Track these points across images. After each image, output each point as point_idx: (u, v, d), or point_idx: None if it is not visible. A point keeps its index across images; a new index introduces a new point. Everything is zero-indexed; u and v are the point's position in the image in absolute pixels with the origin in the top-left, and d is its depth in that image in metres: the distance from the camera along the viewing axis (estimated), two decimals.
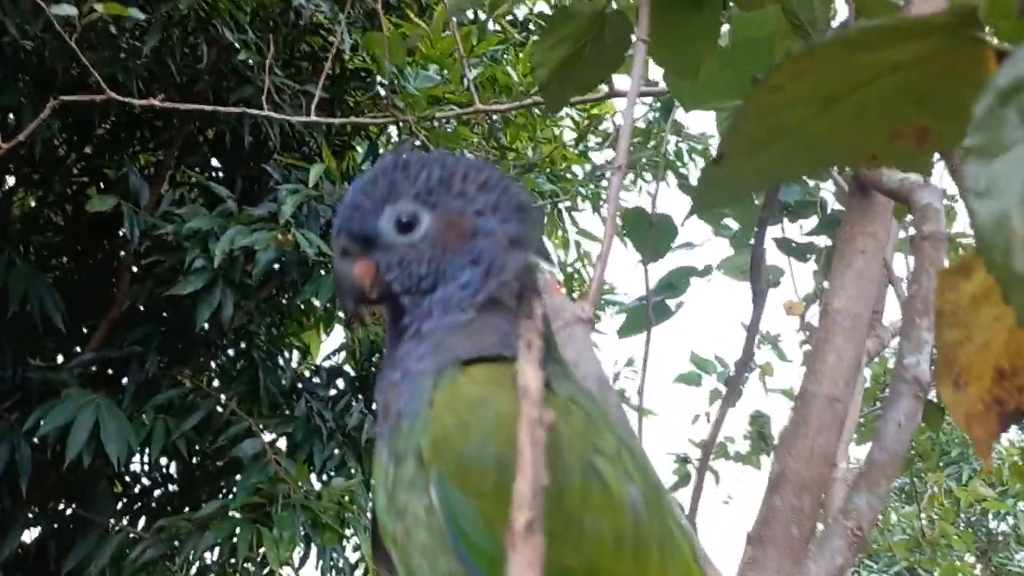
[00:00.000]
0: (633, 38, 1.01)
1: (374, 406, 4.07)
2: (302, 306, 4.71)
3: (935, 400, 4.24)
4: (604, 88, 2.79)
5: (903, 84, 0.60)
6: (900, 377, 0.90)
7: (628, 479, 0.71)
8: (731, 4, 1.29)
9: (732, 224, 2.50)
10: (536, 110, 4.41)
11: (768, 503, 1.04)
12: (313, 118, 2.15)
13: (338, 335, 5.35)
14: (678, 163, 4.70)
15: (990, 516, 11.01)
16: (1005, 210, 0.53)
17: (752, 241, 2.55)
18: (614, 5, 1.11)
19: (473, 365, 0.73)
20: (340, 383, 4.84)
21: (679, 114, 3.30)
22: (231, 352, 4.51)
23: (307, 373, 4.81)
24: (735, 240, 2.49)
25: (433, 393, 0.72)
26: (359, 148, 4.90)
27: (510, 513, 0.65)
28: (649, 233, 1.79)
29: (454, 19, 3.32)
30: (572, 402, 0.72)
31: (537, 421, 0.37)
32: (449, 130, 3.49)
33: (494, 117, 4.15)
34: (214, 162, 4.60)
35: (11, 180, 4.29)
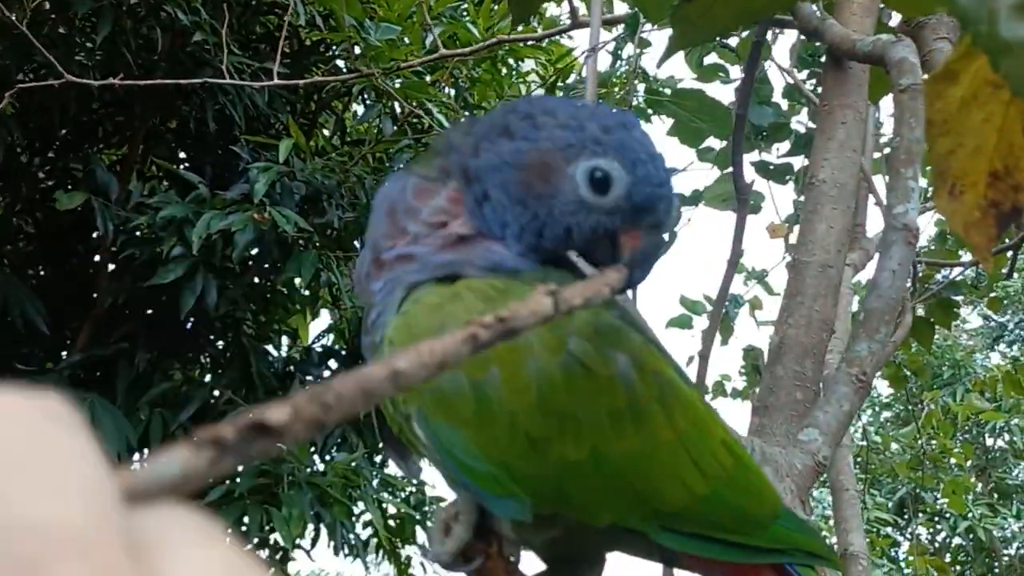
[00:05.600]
0: None
1: None
2: (285, 290, 4.69)
3: (924, 316, 4.28)
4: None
5: None
6: (890, 226, 0.90)
7: (611, 348, 0.68)
8: None
9: (714, 144, 2.50)
10: (503, 68, 4.38)
11: (770, 372, 1.04)
12: (277, 81, 2.11)
13: (326, 317, 5.35)
14: (649, 111, 4.69)
15: (987, 433, 11.19)
16: None
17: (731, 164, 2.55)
18: None
19: (431, 287, 0.69)
20: (333, 363, 4.84)
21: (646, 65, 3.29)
22: (219, 344, 4.48)
23: (298, 357, 4.80)
24: (718, 161, 2.49)
25: (393, 319, 0.69)
26: (326, 129, 4.86)
27: (493, 433, 0.64)
28: None
29: None
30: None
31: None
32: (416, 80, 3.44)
33: (459, 78, 4.12)
34: (181, 154, 4.55)
35: None
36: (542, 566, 0.76)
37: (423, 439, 0.67)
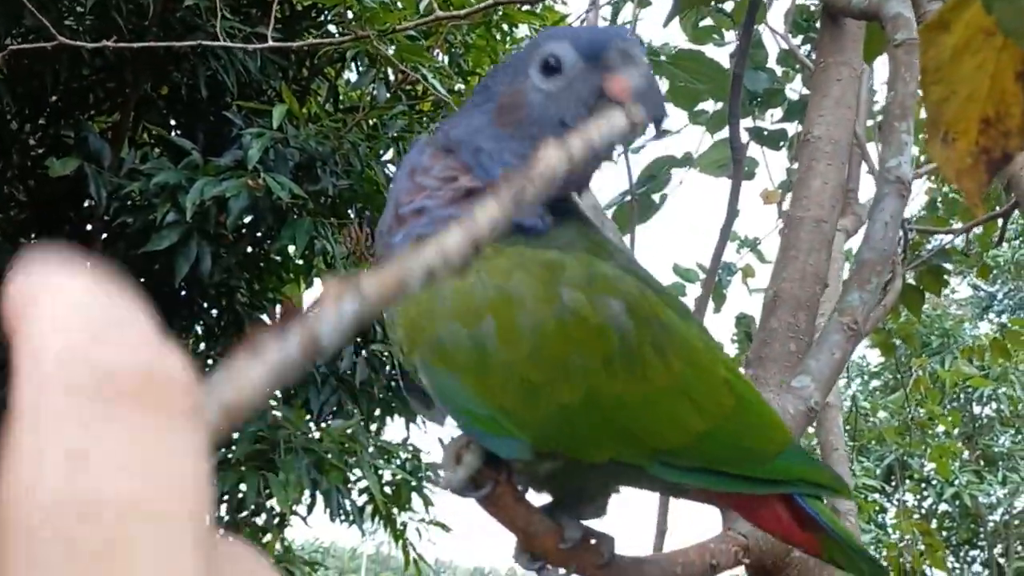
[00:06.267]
0: None
1: (363, 352, 4.02)
2: (279, 259, 4.69)
3: (914, 283, 4.31)
4: None
5: None
6: (884, 179, 0.91)
7: (606, 296, 0.70)
8: None
9: (708, 108, 2.50)
10: (496, 34, 4.35)
11: (765, 326, 1.06)
12: (272, 44, 2.11)
13: (319, 286, 5.34)
14: None
15: (974, 402, 11.33)
16: None
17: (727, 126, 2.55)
18: None
19: None
20: None
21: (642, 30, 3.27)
22: (214, 312, 4.49)
23: None
24: (711, 125, 2.49)
25: None
26: (319, 95, 4.83)
27: (490, 380, 0.68)
28: None
29: None
30: (528, 252, 0.71)
31: None
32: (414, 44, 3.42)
33: (453, 44, 4.09)
34: (172, 121, 4.52)
35: None
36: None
37: (428, 387, 0.71)
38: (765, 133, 2.92)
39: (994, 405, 11.37)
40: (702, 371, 0.74)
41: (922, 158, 3.43)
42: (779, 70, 3.05)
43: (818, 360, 0.87)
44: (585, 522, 0.77)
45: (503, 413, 0.68)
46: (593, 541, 0.74)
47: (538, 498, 0.77)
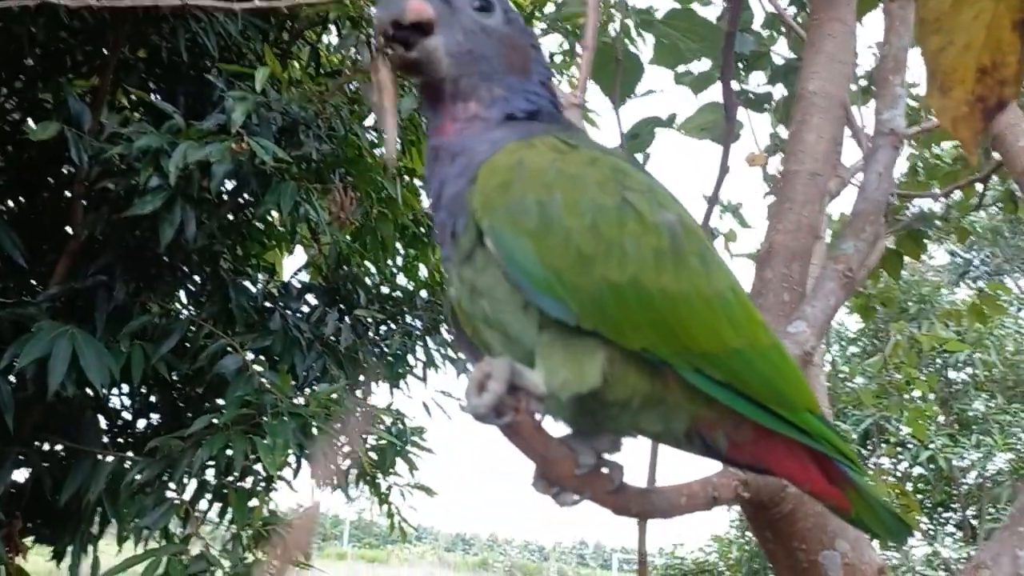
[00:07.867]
0: None
1: (347, 319, 4.02)
2: (261, 226, 4.66)
3: (894, 247, 4.34)
4: None
5: None
6: (879, 132, 0.93)
7: (662, 207, 0.82)
8: None
9: (692, 70, 2.50)
10: None
11: (760, 277, 1.08)
12: (258, 3, 2.08)
13: (301, 254, 5.34)
14: (626, 39, 4.66)
15: (950, 367, 11.51)
16: None
17: (715, 88, 2.56)
18: None
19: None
20: (311, 298, 4.85)
21: None
22: (197, 278, 4.47)
23: (276, 292, 4.80)
24: (695, 85, 2.50)
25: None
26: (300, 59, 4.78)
27: (551, 244, 0.78)
28: (616, 72, 1.79)
29: None
30: (600, 156, 0.84)
31: None
32: None
33: None
34: (151, 85, 4.45)
35: None
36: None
37: (493, 250, 0.80)
38: (751, 96, 2.93)
39: (969, 370, 11.56)
40: (742, 305, 0.83)
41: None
42: (764, 33, 3.05)
43: (813, 306, 0.89)
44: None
45: (557, 277, 0.77)
46: (605, 470, 0.78)
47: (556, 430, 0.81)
